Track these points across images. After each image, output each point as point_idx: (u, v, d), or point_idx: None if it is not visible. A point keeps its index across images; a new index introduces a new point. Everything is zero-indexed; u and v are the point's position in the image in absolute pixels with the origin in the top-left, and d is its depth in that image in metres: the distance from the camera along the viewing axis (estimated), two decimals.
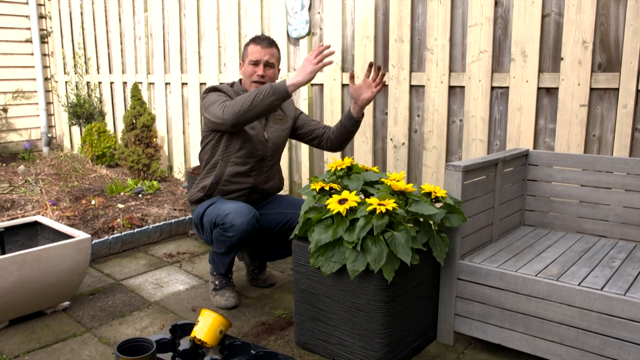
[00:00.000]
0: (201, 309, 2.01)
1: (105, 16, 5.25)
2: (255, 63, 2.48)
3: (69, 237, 2.44)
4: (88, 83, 5.59)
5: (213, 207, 2.42)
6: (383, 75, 2.34)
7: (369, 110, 3.35)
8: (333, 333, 2.01)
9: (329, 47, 2.22)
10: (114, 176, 4.78)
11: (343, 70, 3.46)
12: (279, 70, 2.59)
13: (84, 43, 5.57)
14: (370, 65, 2.33)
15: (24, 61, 5.80)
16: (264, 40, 2.51)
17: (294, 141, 3.87)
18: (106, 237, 3.18)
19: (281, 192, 3.00)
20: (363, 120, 3.37)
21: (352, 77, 2.41)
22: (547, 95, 2.71)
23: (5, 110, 5.71)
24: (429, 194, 2.00)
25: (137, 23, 4.94)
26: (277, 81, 2.40)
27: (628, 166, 2.29)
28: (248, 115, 2.24)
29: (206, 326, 1.96)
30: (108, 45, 5.30)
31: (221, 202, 2.42)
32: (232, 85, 2.59)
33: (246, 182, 2.53)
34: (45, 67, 5.97)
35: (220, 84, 2.60)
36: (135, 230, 3.33)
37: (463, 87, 2.97)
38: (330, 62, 2.25)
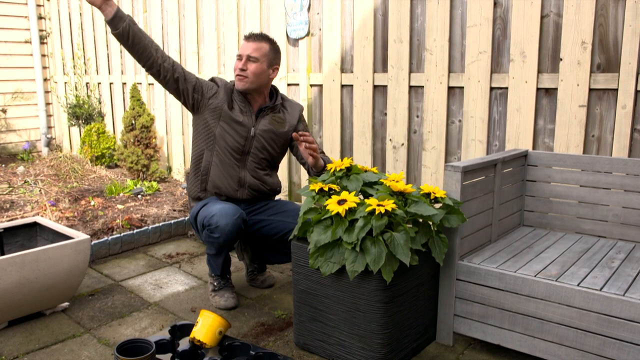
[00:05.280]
0: (200, 310, 2.01)
1: None
2: (239, 57, 2.48)
3: (68, 238, 2.44)
4: (87, 84, 5.59)
5: (204, 208, 2.42)
6: (311, 142, 2.29)
7: (368, 110, 3.35)
8: (332, 334, 2.01)
9: None
10: (113, 177, 4.78)
11: (342, 71, 3.46)
12: (275, 68, 2.51)
13: (83, 44, 5.57)
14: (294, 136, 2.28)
15: (23, 62, 5.80)
16: (252, 36, 2.49)
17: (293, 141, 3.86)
18: (105, 238, 3.18)
19: (280, 195, 3.00)
20: (362, 121, 3.39)
21: (297, 139, 2.31)
22: (546, 95, 2.72)
23: (4, 111, 5.71)
24: (428, 195, 2.00)
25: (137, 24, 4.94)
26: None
27: (627, 166, 2.29)
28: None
29: (205, 327, 1.95)
30: (107, 45, 5.30)
31: (211, 204, 2.42)
32: (229, 82, 2.60)
33: (233, 173, 2.49)
34: (44, 67, 5.96)
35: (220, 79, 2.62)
36: (135, 231, 3.33)
37: (462, 87, 2.97)
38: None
